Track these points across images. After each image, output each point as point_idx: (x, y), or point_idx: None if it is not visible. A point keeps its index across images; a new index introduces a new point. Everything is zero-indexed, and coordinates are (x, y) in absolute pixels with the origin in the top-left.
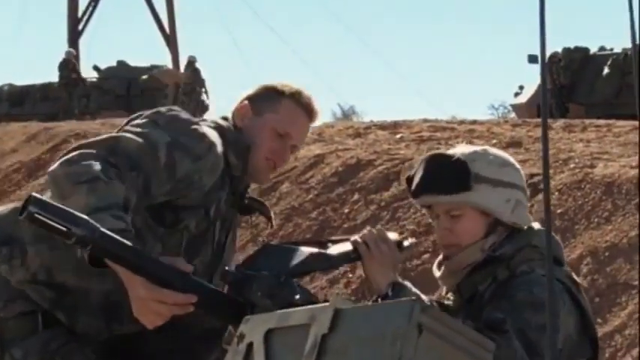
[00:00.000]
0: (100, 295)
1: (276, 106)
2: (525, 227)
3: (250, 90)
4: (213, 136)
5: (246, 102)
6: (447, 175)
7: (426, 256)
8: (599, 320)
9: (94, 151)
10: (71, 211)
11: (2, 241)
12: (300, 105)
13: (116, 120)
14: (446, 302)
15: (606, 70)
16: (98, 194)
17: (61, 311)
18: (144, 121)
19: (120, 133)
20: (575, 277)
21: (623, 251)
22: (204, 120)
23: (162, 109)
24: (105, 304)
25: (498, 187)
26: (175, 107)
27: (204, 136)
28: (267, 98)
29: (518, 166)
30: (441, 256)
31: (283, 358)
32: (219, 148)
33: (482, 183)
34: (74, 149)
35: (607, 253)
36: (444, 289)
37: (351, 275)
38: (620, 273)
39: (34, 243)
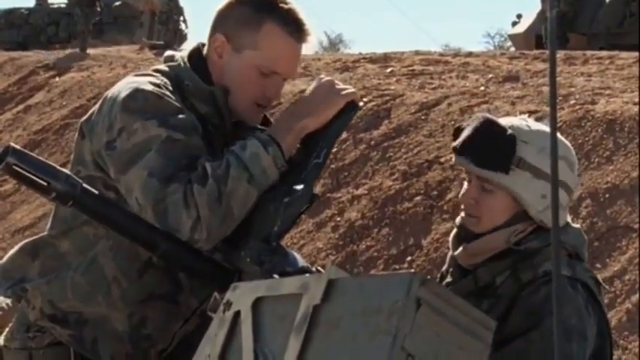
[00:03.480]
0: (122, 318)
1: (257, 38)
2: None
3: (223, 6)
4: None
5: (221, 36)
6: (490, 148)
7: (418, 198)
8: (597, 265)
9: (176, 182)
10: (51, 164)
11: (12, 284)
12: (287, 29)
13: (88, 50)
14: (448, 280)
15: None
16: (242, 176)
17: (83, 347)
18: (136, 125)
19: (148, 159)
20: (597, 277)
21: (624, 192)
22: (153, 76)
23: (125, 100)
24: (130, 327)
25: (540, 179)
26: (132, 88)
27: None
28: (244, 26)
29: (574, 160)
30: (458, 221)
31: (272, 329)
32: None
33: (523, 169)
34: (160, 205)
35: (607, 195)
36: (447, 262)
37: (339, 219)
38: (620, 215)
39: (34, 279)
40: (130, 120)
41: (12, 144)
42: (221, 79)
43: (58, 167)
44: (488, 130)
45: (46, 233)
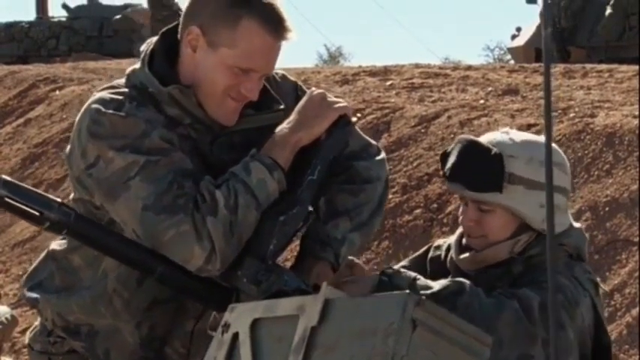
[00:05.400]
0: (131, 329)
1: (234, 36)
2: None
3: None
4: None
5: (196, 29)
6: (479, 171)
7: (418, 211)
8: (597, 278)
9: (181, 213)
10: (43, 194)
11: (30, 287)
12: (265, 26)
13: (88, 63)
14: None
15: (609, 11)
16: (245, 197)
17: (97, 358)
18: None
19: (136, 186)
20: (597, 279)
21: (624, 206)
22: (117, 89)
23: (90, 126)
24: (140, 338)
25: (534, 189)
26: (95, 112)
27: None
28: (220, 21)
29: (565, 162)
30: (460, 231)
31: (270, 350)
32: (144, 119)
33: (516, 184)
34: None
35: (607, 208)
36: (448, 263)
37: None
38: (620, 229)
39: (49, 290)
40: (102, 147)
41: (3, 176)
42: (193, 74)
43: (51, 196)
44: (473, 152)
45: (64, 246)
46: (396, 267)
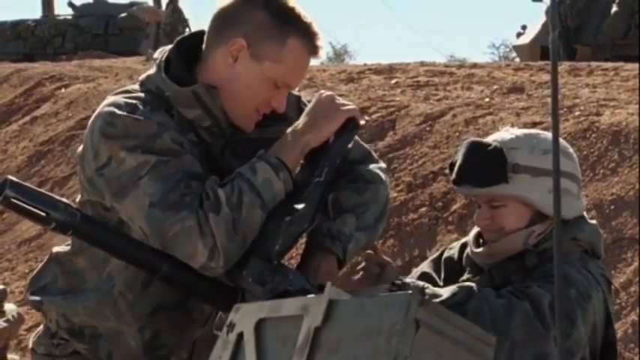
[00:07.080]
0: (134, 333)
1: (280, 52)
2: (571, 218)
3: (238, 5)
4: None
5: (242, 41)
6: (483, 166)
7: (423, 209)
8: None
9: (185, 210)
10: (50, 194)
11: (33, 291)
12: (307, 45)
13: (94, 61)
14: (465, 277)
15: (614, 9)
16: (253, 197)
17: None
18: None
19: (146, 186)
20: (609, 277)
21: (630, 204)
22: (131, 93)
23: (106, 128)
24: (143, 342)
25: (540, 176)
26: (110, 114)
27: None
28: (267, 37)
29: (569, 150)
30: (478, 229)
31: (274, 350)
32: (157, 125)
33: (521, 173)
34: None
35: (612, 207)
36: (464, 260)
37: None
38: (625, 227)
39: (53, 293)
40: (114, 148)
41: (9, 177)
42: (226, 81)
43: (57, 197)
44: (475, 151)
45: (67, 249)
46: (413, 273)
